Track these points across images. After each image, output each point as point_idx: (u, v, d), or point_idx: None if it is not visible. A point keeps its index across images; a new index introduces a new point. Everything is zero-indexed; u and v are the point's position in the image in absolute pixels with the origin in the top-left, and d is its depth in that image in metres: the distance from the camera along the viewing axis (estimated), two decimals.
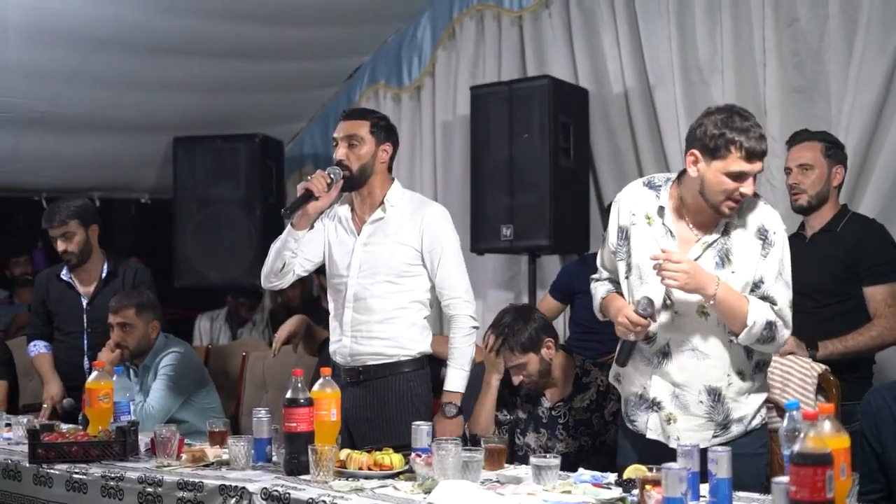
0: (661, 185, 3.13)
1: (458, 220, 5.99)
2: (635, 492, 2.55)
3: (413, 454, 2.99)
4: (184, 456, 3.37)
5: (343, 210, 3.69)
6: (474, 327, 3.61)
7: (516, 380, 3.67)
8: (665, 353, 3.08)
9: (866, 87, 4.65)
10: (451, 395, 3.56)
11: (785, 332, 3.01)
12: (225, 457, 3.35)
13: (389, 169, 3.69)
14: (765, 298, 2.99)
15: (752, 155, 2.91)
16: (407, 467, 3.00)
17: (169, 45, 5.81)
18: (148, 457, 3.45)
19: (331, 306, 3.74)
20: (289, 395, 3.11)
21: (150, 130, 6.58)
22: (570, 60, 5.77)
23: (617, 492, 2.67)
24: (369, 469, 3.00)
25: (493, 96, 5.47)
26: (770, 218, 3.05)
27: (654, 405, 3.12)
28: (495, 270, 6.01)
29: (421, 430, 3.09)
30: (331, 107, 7.07)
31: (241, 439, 3.27)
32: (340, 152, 3.57)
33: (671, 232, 3.07)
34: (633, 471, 2.70)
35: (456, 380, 3.55)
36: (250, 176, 6.47)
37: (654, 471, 2.54)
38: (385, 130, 3.64)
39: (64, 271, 4.79)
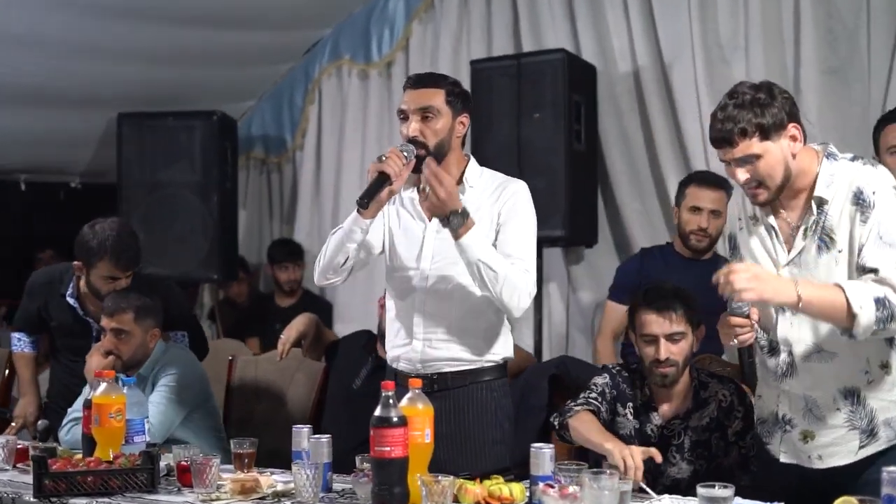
0: None
1: None
2: None
3: (541, 485, 2.49)
4: (228, 485, 2.79)
5: (407, 193, 3.13)
6: (530, 288, 2.96)
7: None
8: (789, 364, 2.71)
9: None
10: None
11: None
12: (279, 486, 2.80)
13: (463, 143, 3.15)
14: (864, 270, 2.55)
15: (715, 142, 2.61)
16: (529, 500, 2.51)
17: (107, 8, 5.11)
18: (174, 487, 2.86)
19: (391, 306, 3.19)
20: (379, 412, 2.55)
21: (86, 105, 5.81)
22: (571, 35, 5.29)
23: None
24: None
25: (497, 71, 4.96)
26: (866, 177, 2.60)
27: (785, 423, 2.75)
28: None
29: (543, 455, 2.57)
30: (285, 84, 6.46)
31: (307, 466, 2.71)
32: (413, 127, 3.01)
33: (774, 229, 2.71)
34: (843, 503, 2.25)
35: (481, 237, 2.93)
36: (207, 158, 5.75)
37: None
38: (462, 98, 3.11)
39: (70, 291, 3.93)
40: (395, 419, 2.54)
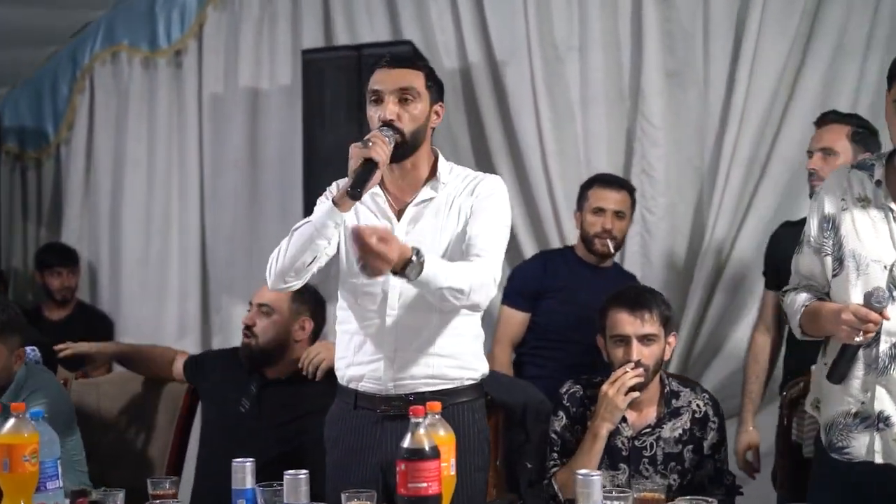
0: (873, 164, 2.64)
1: (242, 212, 5.18)
2: None
3: None
4: None
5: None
6: (496, 276, 2.68)
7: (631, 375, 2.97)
8: (892, 356, 2.55)
9: (762, 74, 4.41)
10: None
11: None
12: None
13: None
14: None
15: None
16: None
17: None
18: None
19: (347, 316, 2.82)
20: (409, 443, 2.23)
21: None
22: (390, 28, 5.03)
23: None
24: None
25: (334, 63, 4.61)
26: None
27: (881, 421, 2.57)
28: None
29: (592, 483, 2.31)
30: (46, 70, 5.73)
31: None
32: (391, 109, 2.69)
33: (892, 210, 2.58)
34: None
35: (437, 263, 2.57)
36: None
37: None
38: (439, 86, 2.83)
39: None
40: (428, 450, 2.23)
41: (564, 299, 3.94)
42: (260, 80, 5.24)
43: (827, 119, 3.60)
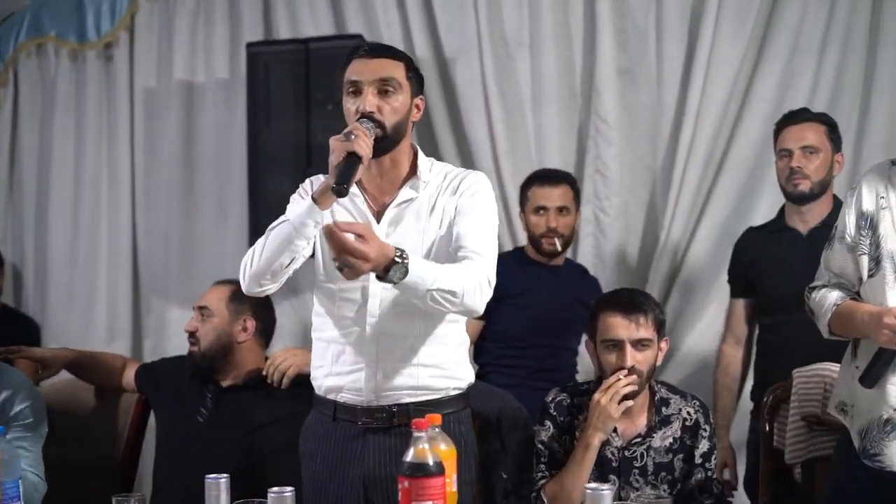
0: None
1: (177, 211, 4.97)
2: None
3: None
4: None
5: None
6: (489, 277, 2.53)
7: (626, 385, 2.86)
8: None
9: (718, 74, 4.36)
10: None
11: None
12: None
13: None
14: None
15: None
16: None
17: None
18: None
19: (324, 323, 2.66)
20: (412, 458, 2.10)
21: None
22: (333, 22, 4.87)
23: None
24: None
25: (280, 56, 4.45)
26: None
27: None
28: None
29: (602, 498, 2.21)
30: None
31: None
32: (371, 101, 2.54)
33: None
34: None
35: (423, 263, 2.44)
36: None
37: None
38: (420, 78, 2.68)
39: None
40: (432, 466, 2.11)
41: (524, 304, 3.83)
42: (196, 74, 5.04)
43: (804, 117, 3.56)
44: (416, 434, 2.10)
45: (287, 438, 3.19)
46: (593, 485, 2.18)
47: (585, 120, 4.58)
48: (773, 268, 3.53)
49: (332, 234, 2.27)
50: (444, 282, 2.40)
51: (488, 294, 2.51)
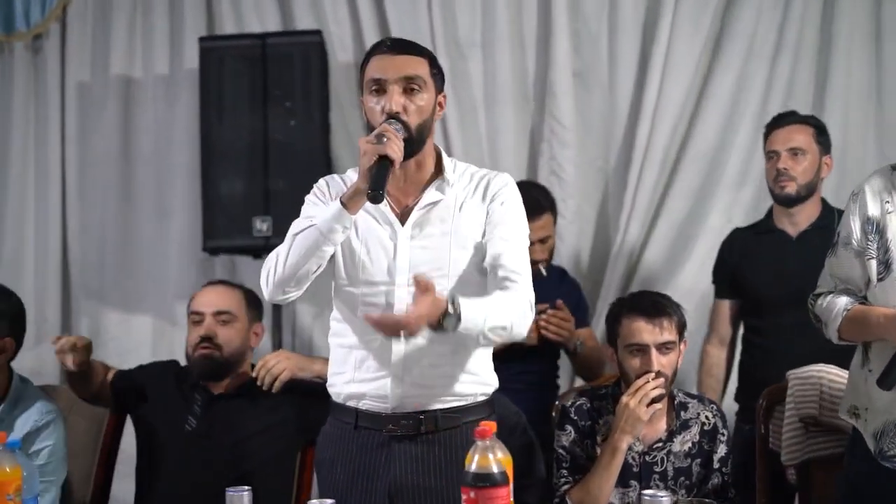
0: None
1: (113, 210, 4.80)
2: None
3: None
4: None
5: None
6: (531, 301, 2.48)
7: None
8: None
9: (674, 76, 4.40)
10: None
11: None
12: None
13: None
14: None
15: None
16: None
17: None
18: None
19: (344, 329, 2.57)
20: (475, 467, 2.05)
21: None
22: (280, 18, 4.75)
23: None
24: None
25: (234, 51, 4.31)
26: None
27: None
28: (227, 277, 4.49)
29: None
30: None
31: None
32: (397, 101, 2.44)
33: None
34: None
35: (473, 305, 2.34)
36: None
37: None
38: (442, 74, 2.59)
39: None
40: (497, 475, 2.06)
41: None
42: (133, 69, 4.86)
43: (791, 120, 3.61)
44: (479, 443, 2.05)
45: (278, 447, 3.11)
46: (650, 492, 2.16)
47: (539, 122, 4.57)
48: (762, 269, 3.56)
49: (382, 325, 2.28)
50: (494, 318, 2.35)
51: (531, 318, 2.47)
